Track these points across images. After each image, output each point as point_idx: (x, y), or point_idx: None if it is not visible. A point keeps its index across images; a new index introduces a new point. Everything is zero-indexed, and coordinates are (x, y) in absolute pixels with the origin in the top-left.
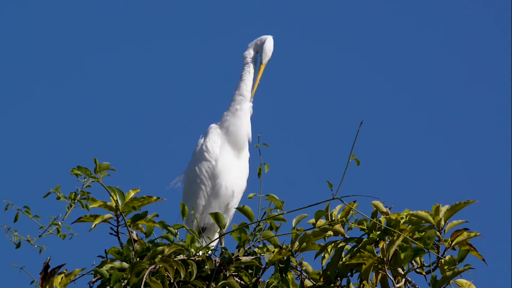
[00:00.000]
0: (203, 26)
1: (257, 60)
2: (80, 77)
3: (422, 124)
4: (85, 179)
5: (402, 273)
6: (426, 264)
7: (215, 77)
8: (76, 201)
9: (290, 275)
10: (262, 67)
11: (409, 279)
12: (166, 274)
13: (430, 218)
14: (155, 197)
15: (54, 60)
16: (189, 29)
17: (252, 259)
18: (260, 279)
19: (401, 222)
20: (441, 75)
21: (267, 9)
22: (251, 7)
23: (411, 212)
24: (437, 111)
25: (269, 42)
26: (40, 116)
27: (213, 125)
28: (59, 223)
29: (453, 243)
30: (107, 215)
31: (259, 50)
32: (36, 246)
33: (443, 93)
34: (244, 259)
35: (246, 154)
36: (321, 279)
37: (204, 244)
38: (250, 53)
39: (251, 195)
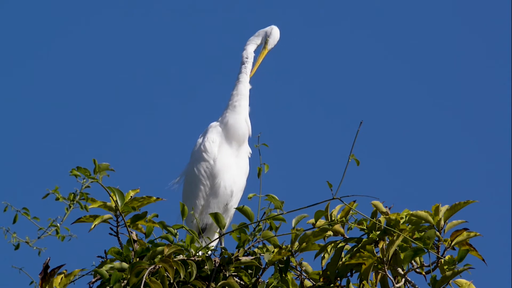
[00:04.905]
0: (203, 25)
1: (254, 60)
2: (79, 77)
3: (422, 124)
4: (84, 180)
5: (402, 273)
6: (425, 264)
7: (215, 77)
8: (75, 202)
9: (290, 275)
10: (265, 52)
11: (409, 279)
12: (165, 274)
13: (430, 218)
14: (154, 197)
15: (51, 56)
16: (190, 29)
17: (251, 259)
18: (259, 279)
19: (401, 222)
20: (442, 73)
21: None
22: None
23: (411, 212)
24: (437, 110)
25: (276, 32)
26: (39, 116)
27: (213, 123)
28: (58, 224)
29: (452, 243)
30: (107, 216)
31: (263, 41)
32: (35, 248)
33: (443, 91)
34: (243, 259)
35: (246, 151)
36: (321, 279)
37: (204, 244)
38: (247, 52)
39: (250, 195)
